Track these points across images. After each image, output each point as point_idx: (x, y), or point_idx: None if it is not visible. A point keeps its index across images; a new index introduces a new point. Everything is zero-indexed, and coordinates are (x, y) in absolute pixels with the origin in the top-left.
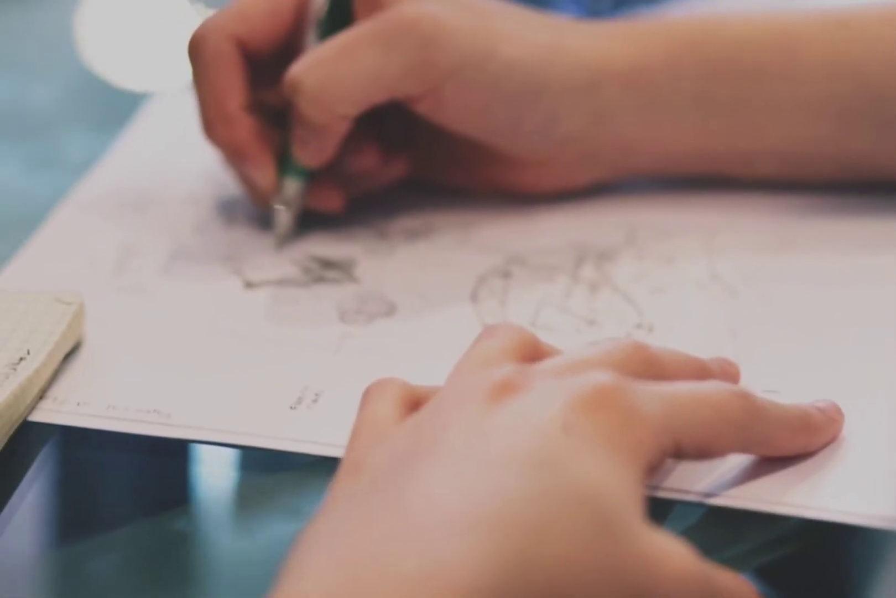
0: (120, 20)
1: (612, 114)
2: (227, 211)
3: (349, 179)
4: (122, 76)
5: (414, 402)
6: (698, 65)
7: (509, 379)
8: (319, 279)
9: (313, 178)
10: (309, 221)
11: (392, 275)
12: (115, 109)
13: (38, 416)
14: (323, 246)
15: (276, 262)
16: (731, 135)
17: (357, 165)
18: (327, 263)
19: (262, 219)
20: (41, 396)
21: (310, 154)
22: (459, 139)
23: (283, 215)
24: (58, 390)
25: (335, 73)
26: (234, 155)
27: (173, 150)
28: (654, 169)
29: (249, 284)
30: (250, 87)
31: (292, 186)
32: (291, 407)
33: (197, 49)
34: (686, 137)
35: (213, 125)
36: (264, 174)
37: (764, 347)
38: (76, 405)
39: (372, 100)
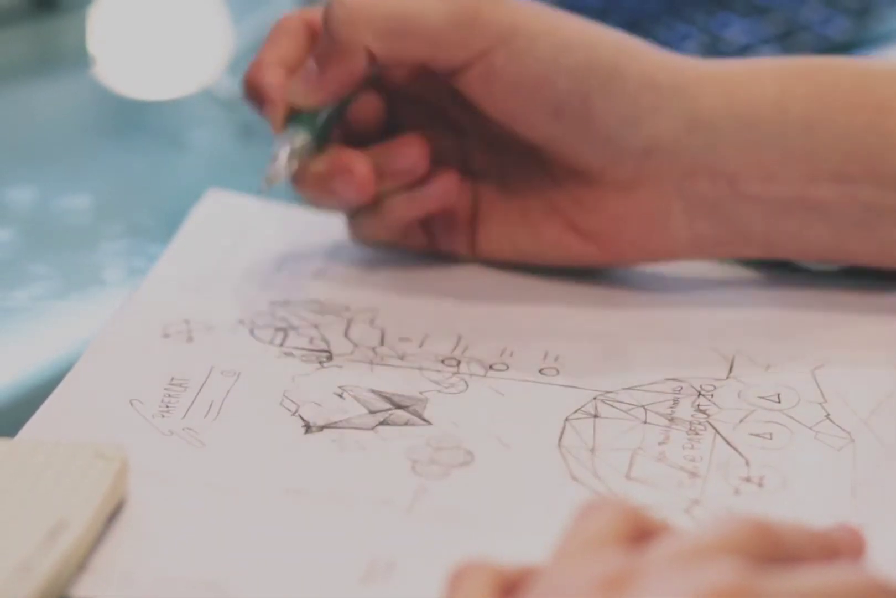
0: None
1: (708, 123)
2: (282, 337)
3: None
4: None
5: (506, 588)
6: (810, 91)
7: (618, 573)
8: (386, 421)
9: (323, 140)
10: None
11: (467, 416)
12: (156, 211)
13: (78, 591)
14: (389, 381)
15: (338, 400)
16: (845, 174)
17: (399, 163)
18: (395, 402)
19: (318, 345)
20: (81, 566)
21: (310, 86)
22: (523, 179)
23: (283, 155)
24: (100, 558)
25: None
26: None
27: (219, 268)
28: (767, 228)
29: (310, 428)
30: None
31: (298, 137)
32: (361, 581)
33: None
34: (794, 173)
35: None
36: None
37: (889, 506)
38: (121, 578)
39: (406, 48)
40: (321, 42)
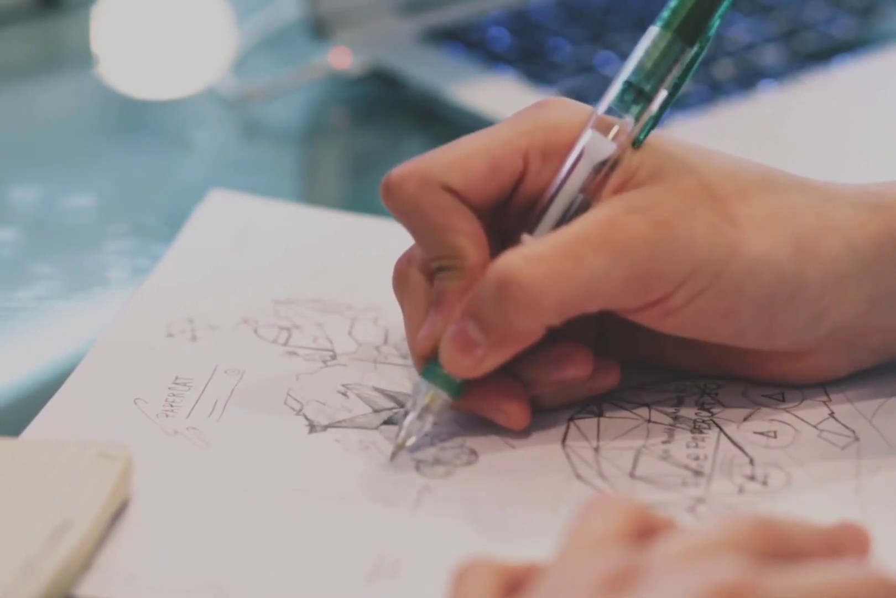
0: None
1: (889, 301)
2: (286, 337)
3: (537, 385)
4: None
5: (510, 586)
6: None
7: (622, 572)
8: (391, 420)
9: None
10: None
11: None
12: (160, 210)
13: (82, 591)
14: (393, 380)
15: (342, 399)
16: None
17: (562, 375)
18: (399, 401)
19: (322, 344)
20: (86, 566)
21: (474, 363)
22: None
23: (414, 425)
24: (104, 558)
25: (557, 274)
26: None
27: (222, 267)
28: None
29: (314, 427)
30: None
31: (437, 399)
32: (367, 580)
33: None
34: None
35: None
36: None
37: (894, 504)
38: (125, 578)
39: (583, 310)
40: (489, 317)
